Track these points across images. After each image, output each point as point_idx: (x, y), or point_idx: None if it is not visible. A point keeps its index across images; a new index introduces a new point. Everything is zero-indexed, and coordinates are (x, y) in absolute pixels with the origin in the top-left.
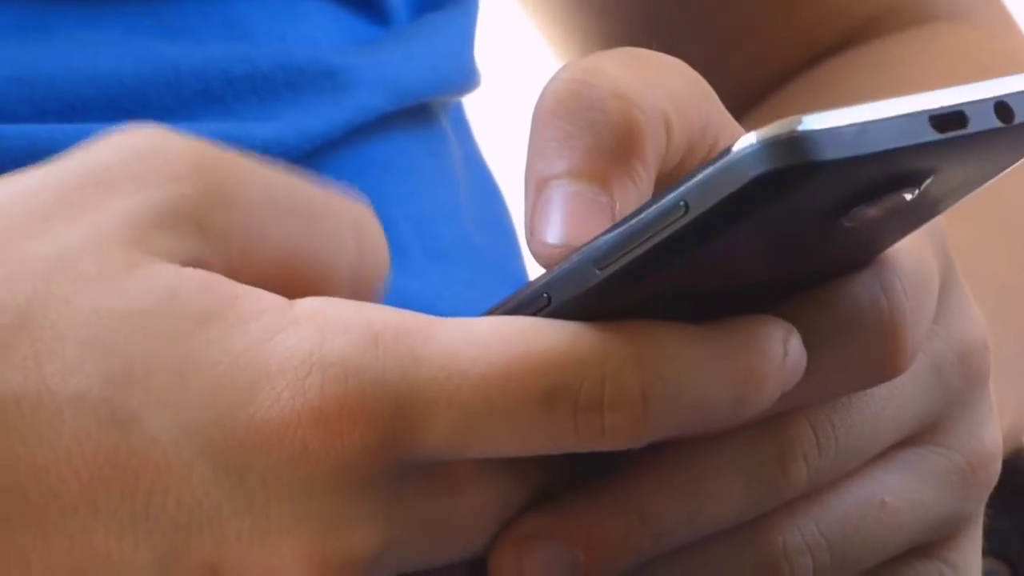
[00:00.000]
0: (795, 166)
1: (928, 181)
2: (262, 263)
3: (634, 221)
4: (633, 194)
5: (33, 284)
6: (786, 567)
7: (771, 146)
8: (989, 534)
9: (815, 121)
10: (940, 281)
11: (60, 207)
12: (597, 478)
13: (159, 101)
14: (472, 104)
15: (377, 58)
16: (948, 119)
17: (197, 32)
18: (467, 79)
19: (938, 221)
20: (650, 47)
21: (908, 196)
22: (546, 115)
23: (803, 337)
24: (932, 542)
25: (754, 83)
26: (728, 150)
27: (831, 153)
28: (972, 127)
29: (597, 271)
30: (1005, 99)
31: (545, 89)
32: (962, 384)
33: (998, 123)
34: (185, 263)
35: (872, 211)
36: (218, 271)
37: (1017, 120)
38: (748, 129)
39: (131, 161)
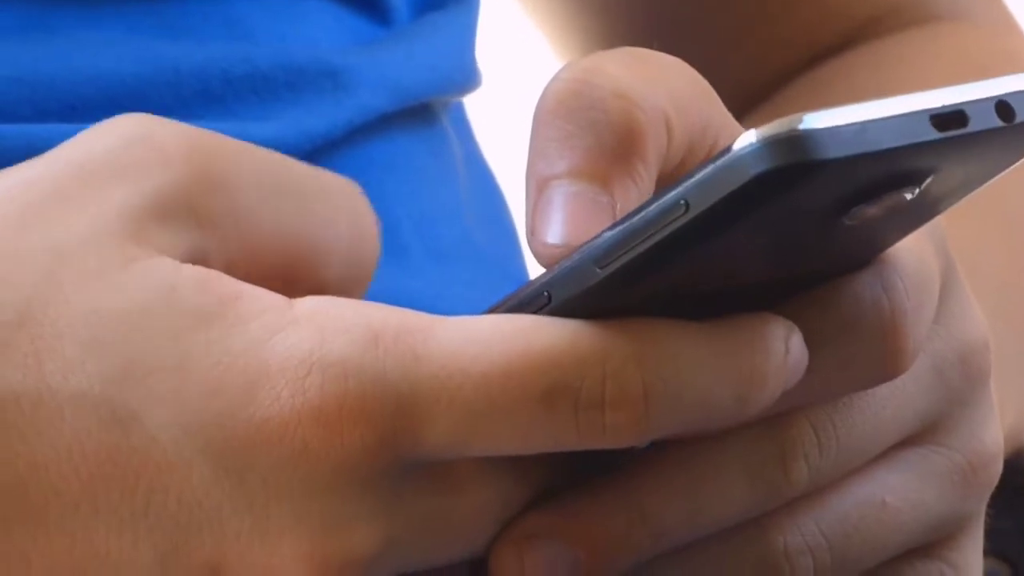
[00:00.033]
0: (795, 164)
1: (928, 180)
2: (258, 247)
3: (635, 220)
4: (634, 194)
5: (33, 282)
6: (787, 567)
7: (771, 144)
8: (990, 534)
9: (816, 120)
10: (941, 281)
11: (56, 200)
12: (598, 477)
13: (159, 101)
14: (473, 104)
15: (378, 58)
16: (949, 118)
17: (197, 32)
18: (468, 79)
19: (939, 221)
20: (651, 47)
21: (908, 195)
22: (547, 115)
23: (804, 337)
24: (933, 542)
25: (755, 83)
26: (728, 149)
27: (831, 152)
28: (973, 126)
29: (598, 269)
30: (1006, 98)
31: (546, 89)
32: (963, 384)
33: (999, 122)
34: (184, 257)
35: (872, 210)
36: (216, 262)
37: (1018, 119)
38: (749, 129)
39: (124, 150)
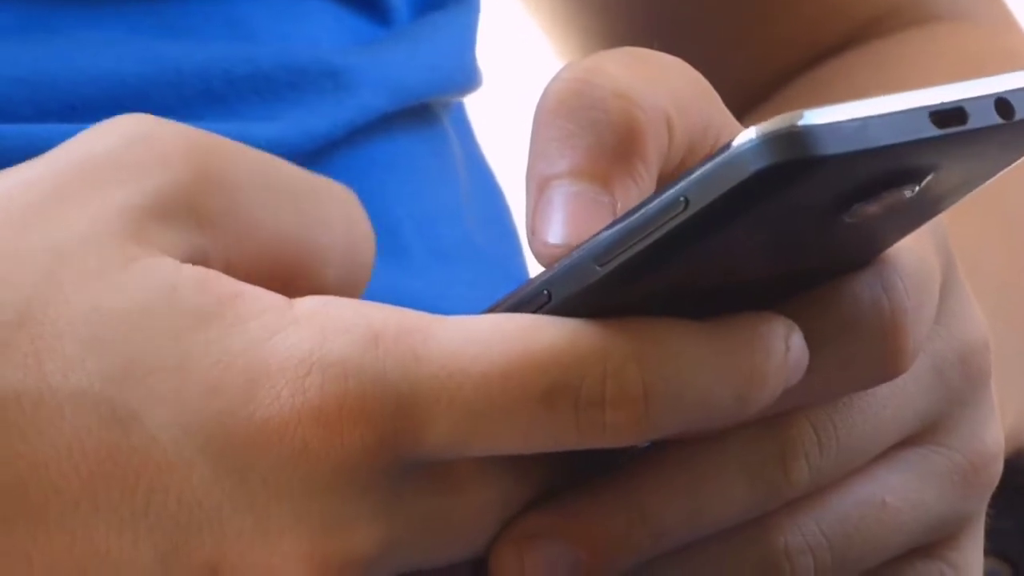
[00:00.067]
0: (795, 161)
1: (928, 178)
2: (256, 248)
3: (634, 217)
4: (635, 194)
5: (33, 281)
6: (787, 567)
7: (771, 141)
8: (991, 534)
9: (815, 116)
10: (941, 280)
11: (56, 200)
12: (598, 477)
13: (161, 101)
14: (474, 104)
15: (379, 58)
16: (948, 115)
17: (199, 32)
18: (469, 79)
19: (939, 220)
20: (651, 47)
21: (908, 193)
22: (548, 115)
23: (804, 336)
24: (933, 542)
25: (755, 83)
26: (728, 145)
27: (831, 148)
28: (972, 123)
29: (597, 267)
30: (1005, 96)
31: (547, 89)
32: (963, 384)
33: (998, 120)
34: (184, 257)
35: (872, 208)
36: (216, 262)
37: (1017, 117)
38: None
39: (124, 150)
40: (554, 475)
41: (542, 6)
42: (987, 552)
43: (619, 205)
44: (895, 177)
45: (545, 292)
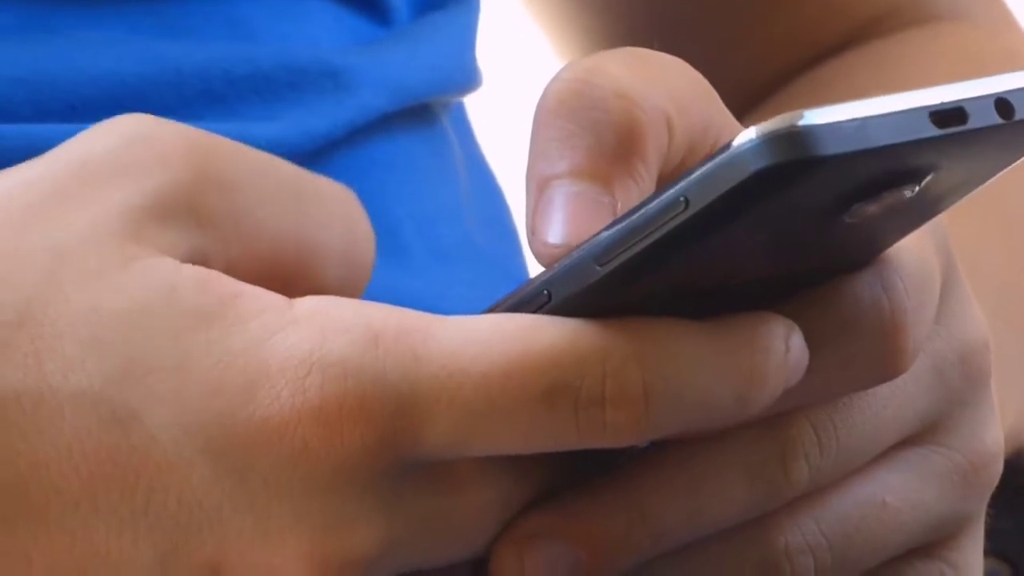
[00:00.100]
0: (795, 161)
1: (928, 178)
2: (257, 248)
3: (634, 217)
4: (635, 194)
5: (33, 281)
6: (787, 567)
7: (771, 141)
8: (990, 534)
9: (815, 116)
10: (941, 280)
11: (56, 200)
12: (598, 477)
13: (161, 101)
14: (474, 104)
15: (379, 58)
16: (948, 115)
17: (199, 32)
18: (469, 79)
19: (940, 220)
20: (651, 46)
21: (908, 193)
22: (548, 115)
23: (804, 336)
24: (933, 542)
25: (755, 83)
26: (728, 145)
27: (831, 148)
28: (972, 123)
29: (598, 267)
30: (1005, 96)
31: (547, 89)
32: (963, 384)
33: (998, 119)
34: (183, 257)
35: (872, 208)
36: (216, 262)
37: (1017, 117)
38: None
39: (124, 150)
40: (554, 475)
41: (542, 6)
42: (987, 552)
43: (619, 205)
44: (895, 177)
45: (545, 292)
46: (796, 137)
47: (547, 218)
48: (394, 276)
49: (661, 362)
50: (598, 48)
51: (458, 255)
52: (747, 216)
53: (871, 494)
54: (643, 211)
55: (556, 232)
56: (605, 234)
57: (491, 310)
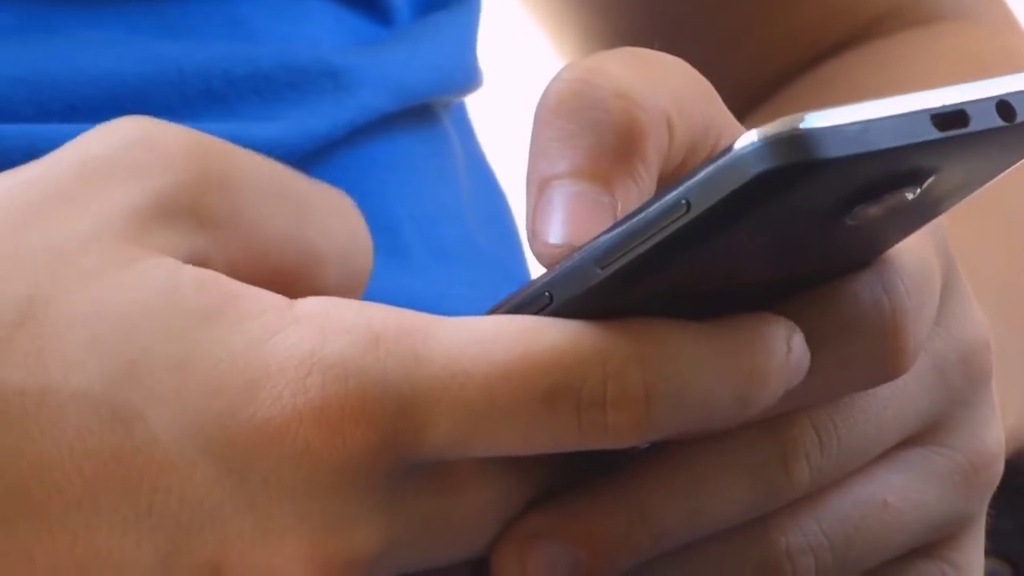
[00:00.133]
0: (797, 164)
1: (930, 180)
2: (257, 251)
3: (636, 220)
4: (635, 194)
5: (35, 280)
6: (788, 567)
7: (773, 144)
8: (991, 534)
9: (817, 119)
10: (942, 281)
11: (58, 200)
12: (599, 477)
13: (162, 101)
14: (474, 104)
15: (380, 58)
16: (950, 118)
17: (200, 32)
18: (470, 79)
19: (940, 221)
20: (652, 46)
21: (909, 195)
22: (548, 115)
23: (805, 337)
24: (934, 542)
25: (756, 83)
26: (730, 148)
27: (833, 151)
28: (974, 126)
29: (599, 270)
30: (1007, 98)
31: (547, 89)
32: (964, 384)
33: (1000, 122)
34: (184, 258)
35: (874, 210)
36: (217, 264)
37: (1019, 119)
38: (750, 128)
39: (125, 151)
40: (555, 475)
41: (543, 6)
42: (988, 552)
43: (620, 205)
44: (896, 179)
45: (546, 294)
46: (798, 140)
47: (547, 218)
48: (395, 276)
49: (662, 363)
50: (598, 48)
51: (459, 255)
52: (748, 219)
53: (872, 494)
54: (644, 214)
55: (556, 232)
56: (606, 236)
57: (493, 311)
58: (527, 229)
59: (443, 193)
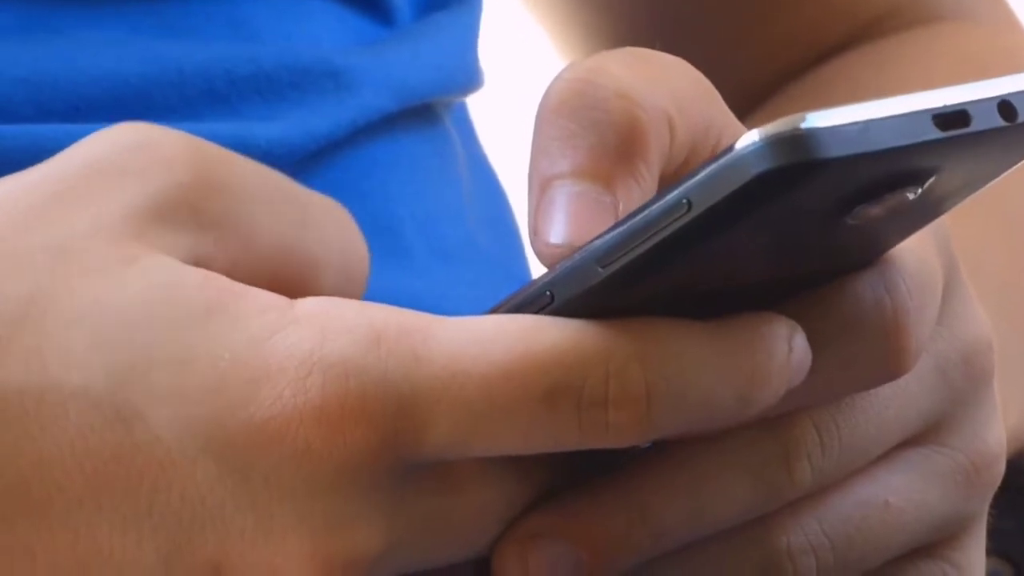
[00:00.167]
0: (798, 164)
1: (931, 180)
2: (257, 254)
3: (637, 219)
4: (637, 194)
5: (35, 278)
6: (789, 567)
7: (774, 143)
8: (993, 534)
9: (818, 119)
10: (944, 281)
11: (60, 201)
12: (599, 477)
13: (163, 101)
14: (476, 104)
15: (382, 58)
16: (951, 118)
17: (201, 32)
18: (471, 79)
19: (942, 221)
20: (653, 46)
21: (911, 195)
22: (550, 114)
23: (807, 336)
24: (936, 542)
25: (757, 83)
26: (731, 148)
27: (834, 151)
28: (975, 126)
29: (600, 269)
30: (1008, 98)
31: (549, 89)
32: (966, 384)
33: (1001, 122)
34: (185, 259)
35: (875, 210)
36: (218, 265)
37: (1020, 119)
38: (751, 128)
39: (126, 155)
40: (555, 475)
41: (544, 6)
42: (989, 552)
43: (621, 205)
44: (898, 179)
45: (547, 293)
46: (799, 140)
47: (549, 218)
48: (396, 276)
49: (663, 362)
50: (600, 48)
51: (460, 255)
52: (750, 218)
53: (874, 494)
54: (645, 213)
55: (558, 232)
56: (607, 236)
57: (493, 311)
58: (528, 228)
59: (444, 193)
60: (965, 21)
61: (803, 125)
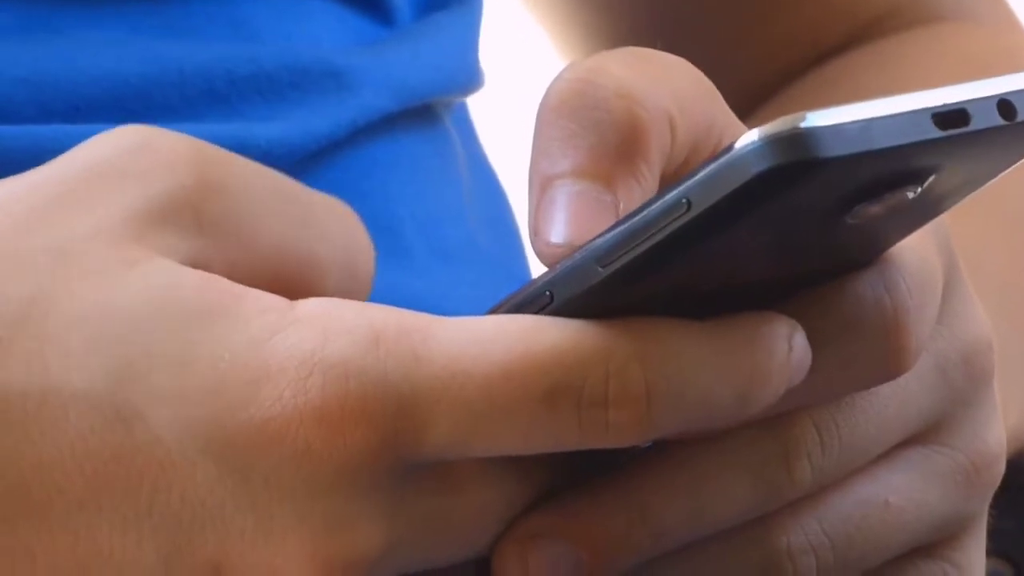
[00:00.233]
0: (798, 163)
1: (931, 179)
2: (258, 256)
3: (637, 218)
4: (637, 193)
5: (37, 280)
6: (789, 567)
7: (774, 143)
8: (993, 534)
9: (818, 118)
10: (944, 280)
11: (61, 204)
12: (599, 477)
13: (164, 101)
14: (476, 104)
15: (382, 58)
16: (951, 117)
17: (202, 32)
18: (471, 79)
19: (942, 220)
20: (654, 46)
21: (911, 194)
22: (550, 114)
23: (807, 335)
24: (936, 542)
25: (758, 82)
26: (731, 147)
27: (834, 150)
28: (974, 125)
29: (600, 268)
30: (1008, 97)
31: (549, 88)
32: (966, 384)
33: (1001, 121)
34: (186, 261)
35: (875, 209)
36: (217, 268)
37: (1020, 118)
38: (752, 128)
39: (127, 157)
40: (555, 475)
41: (544, 6)
42: (989, 552)
43: (622, 205)
44: (897, 178)
45: (547, 293)
46: (799, 139)
47: (549, 217)
48: (396, 276)
49: (663, 362)
50: (600, 48)
51: (460, 255)
52: (750, 218)
53: (874, 494)
54: (645, 213)
55: (558, 232)
56: (607, 235)
57: (493, 311)
58: (529, 228)
59: (445, 193)
60: (965, 21)
61: (803, 124)
